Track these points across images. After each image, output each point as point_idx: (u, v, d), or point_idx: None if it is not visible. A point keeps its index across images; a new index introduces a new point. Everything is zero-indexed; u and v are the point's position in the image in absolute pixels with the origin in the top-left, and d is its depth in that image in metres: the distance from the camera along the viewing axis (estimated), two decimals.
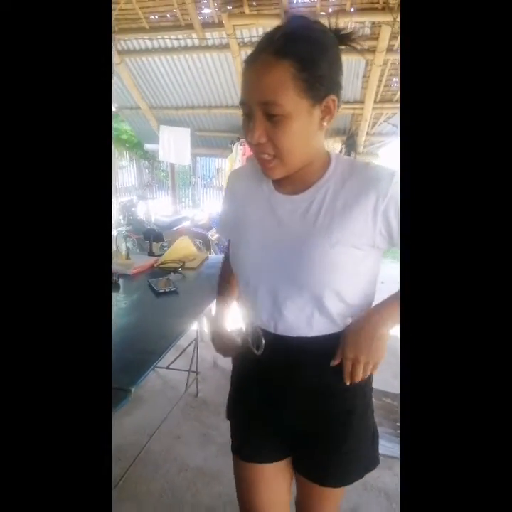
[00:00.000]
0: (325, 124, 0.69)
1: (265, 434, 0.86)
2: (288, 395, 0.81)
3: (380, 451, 1.80)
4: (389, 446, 1.75)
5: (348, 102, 4.20)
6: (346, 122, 4.50)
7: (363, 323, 0.74)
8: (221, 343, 0.92)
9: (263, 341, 0.79)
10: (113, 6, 3.45)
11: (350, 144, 4.59)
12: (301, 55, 0.63)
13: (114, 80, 4.44)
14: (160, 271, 2.10)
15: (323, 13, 3.43)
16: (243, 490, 0.92)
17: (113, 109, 6.84)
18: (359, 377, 0.75)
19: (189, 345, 2.50)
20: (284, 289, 0.74)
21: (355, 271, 0.72)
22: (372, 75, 3.72)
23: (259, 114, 0.66)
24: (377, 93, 4.02)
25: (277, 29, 0.66)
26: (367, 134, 4.50)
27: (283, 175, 0.72)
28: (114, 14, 3.61)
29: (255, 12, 3.52)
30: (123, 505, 1.54)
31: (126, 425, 1.99)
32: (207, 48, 3.98)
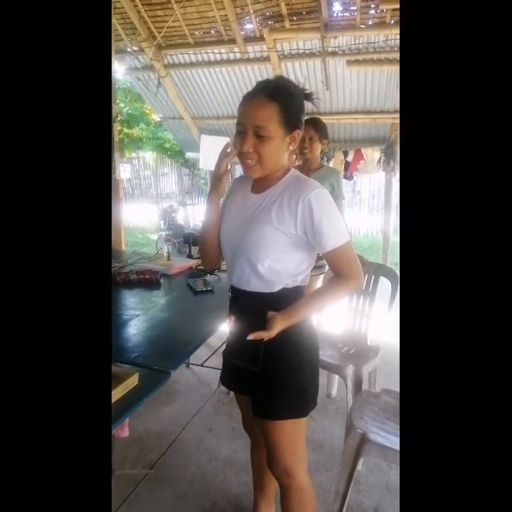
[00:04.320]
0: (291, 147, 1.03)
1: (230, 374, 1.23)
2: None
3: None
4: None
5: (388, 112, 4.21)
6: (386, 131, 4.50)
7: (283, 320, 0.99)
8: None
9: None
10: (162, 25, 3.68)
11: (389, 153, 4.57)
12: (284, 101, 0.96)
13: (160, 92, 4.69)
14: (198, 272, 2.24)
15: (363, 26, 3.50)
16: None
17: (157, 118, 7.18)
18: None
19: (222, 344, 2.61)
20: (237, 257, 1.06)
21: (283, 251, 1.01)
22: None
23: (251, 133, 0.97)
24: None
25: (269, 81, 1.01)
26: None
27: (260, 175, 1.03)
28: (162, 32, 3.85)
29: (295, 26, 3.64)
30: (159, 486, 1.66)
31: (163, 415, 2.13)
32: (248, 60, 4.13)
